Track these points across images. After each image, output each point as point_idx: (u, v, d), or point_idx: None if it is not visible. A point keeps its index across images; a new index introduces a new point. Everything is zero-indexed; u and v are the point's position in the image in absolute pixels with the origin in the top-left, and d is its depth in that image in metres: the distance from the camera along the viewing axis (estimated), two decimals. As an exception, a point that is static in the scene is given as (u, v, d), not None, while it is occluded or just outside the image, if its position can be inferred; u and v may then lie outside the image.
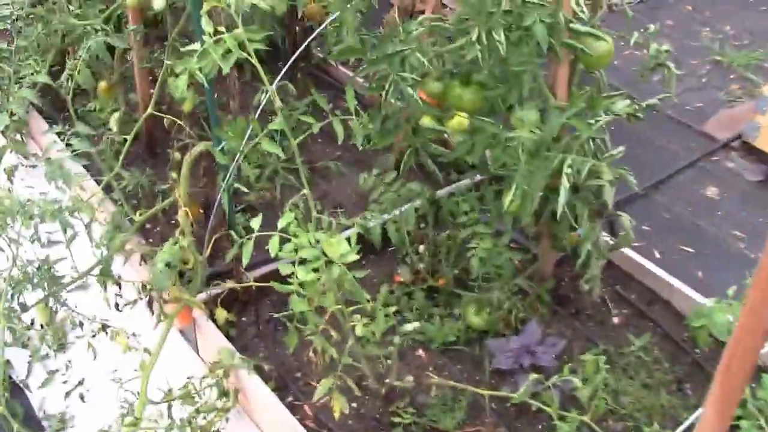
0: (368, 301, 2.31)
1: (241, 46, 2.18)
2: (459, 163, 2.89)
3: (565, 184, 2.46)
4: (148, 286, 2.82)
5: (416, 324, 2.81)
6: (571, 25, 2.35)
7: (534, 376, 2.47)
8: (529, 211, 2.50)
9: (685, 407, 2.90)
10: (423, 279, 3.24)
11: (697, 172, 4.44)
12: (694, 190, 4.29)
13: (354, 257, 2.29)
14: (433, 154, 2.82)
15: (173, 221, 3.47)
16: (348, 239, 2.26)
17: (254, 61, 2.18)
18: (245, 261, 2.33)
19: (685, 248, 3.85)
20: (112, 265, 2.96)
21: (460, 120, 2.86)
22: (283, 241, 2.20)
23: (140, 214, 3.00)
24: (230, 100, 2.84)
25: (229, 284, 2.91)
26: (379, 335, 2.50)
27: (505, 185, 2.71)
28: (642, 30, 2.78)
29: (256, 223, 2.19)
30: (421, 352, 3.08)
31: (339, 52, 2.49)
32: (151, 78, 3.73)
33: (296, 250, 2.15)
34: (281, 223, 2.17)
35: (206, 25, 2.11)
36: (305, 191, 2.29)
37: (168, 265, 2.58)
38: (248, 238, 2.34)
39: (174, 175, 3.02)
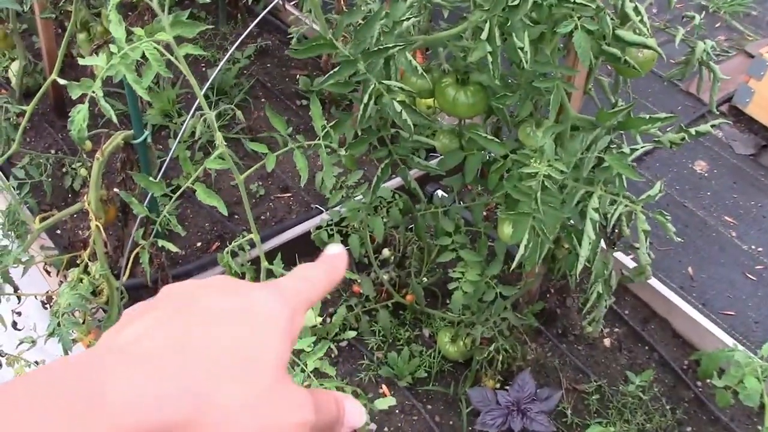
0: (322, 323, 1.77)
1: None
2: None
3: (589, 232, 1.93)
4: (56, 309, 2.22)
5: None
6: (618, 31, 1.77)
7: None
8: (536, 258, 1.97)
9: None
10: (388, 294, 2.70)
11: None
12: (682, 164, 3.82)
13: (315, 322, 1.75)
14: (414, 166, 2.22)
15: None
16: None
17: (184, 67, 1.55)
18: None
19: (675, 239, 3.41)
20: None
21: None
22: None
23: (41, 220, 2.36)
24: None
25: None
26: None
27: (502, 211, 2.17)
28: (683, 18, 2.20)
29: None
30: (384, 389, 2.58)
31: (304, 48, 1.85)
32: (57, 29, 2.98)
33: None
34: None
35: (116, 26, 1.46)
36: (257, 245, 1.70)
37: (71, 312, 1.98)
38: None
39: (83, 171, 2.37)
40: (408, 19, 1.83)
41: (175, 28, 1.50)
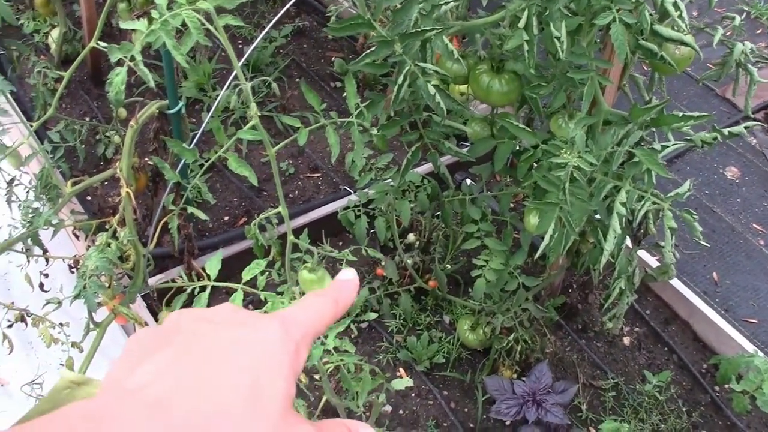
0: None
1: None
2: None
3: (615, 227, 1.93)
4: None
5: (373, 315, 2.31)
6: (656, 26, 1.76)
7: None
8: (560, 249, 1.97)
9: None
10: (410, 278, 2.71)
11: (716, 147, 3.93)
12: (713, 168, 3.79)
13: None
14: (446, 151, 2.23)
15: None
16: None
17: (222, 38, 1.56)
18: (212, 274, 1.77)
19: (700, 242, 3.38)
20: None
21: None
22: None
23: (72, 184, 2.39)
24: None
25: (179, 282, 2.35)
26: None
27: (530, 202, 2.17)
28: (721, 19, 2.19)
29: (212, 267, 1.62)
30: (401, 372, 2.59)
31: (342, 26, 1.87)
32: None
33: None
34: (246, 275, 1.61)
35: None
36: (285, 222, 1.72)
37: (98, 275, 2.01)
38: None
39: (116, 138, 2.40)
40: (447, 3, 1.83)
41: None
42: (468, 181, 3.01)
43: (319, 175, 3.07)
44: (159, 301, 2.44)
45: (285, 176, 3.02)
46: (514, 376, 2.55)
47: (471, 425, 2.50)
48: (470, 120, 2.27)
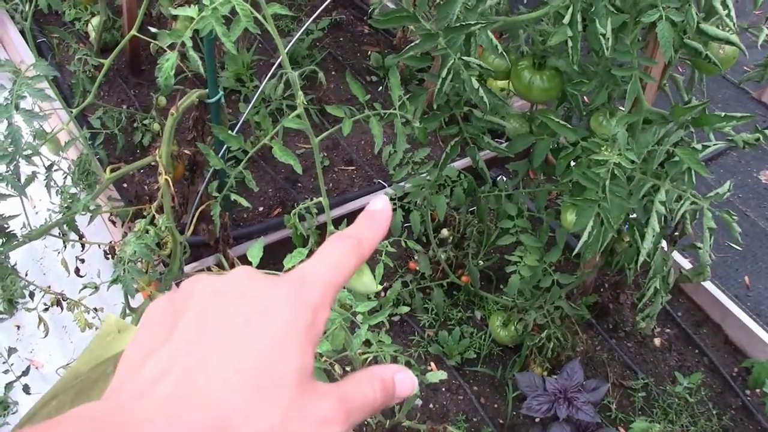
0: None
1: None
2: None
3: (654, 226, 1.93)
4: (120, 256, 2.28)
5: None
6: (702, 25, 1.76)
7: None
8: (597, 247, 1.97)
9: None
10: (443, 273, 2.72)
11: (751, 151, 3.90)
12: (747, 172, 3.76)
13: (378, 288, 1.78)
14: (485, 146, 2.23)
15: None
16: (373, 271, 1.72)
17: (271, 26, 1.57)
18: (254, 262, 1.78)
19: (733, 245, 3.36)
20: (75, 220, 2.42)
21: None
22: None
23: (111, 171, 2.42)
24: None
25: (214, 271, 2.37)
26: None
27: (568, 198, 2.17)
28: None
29: (253, 255, 1.63)
30: (432, 366, 2.60)
31: (387, 18, 1.88)
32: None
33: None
34: (288, 262, 1.62)
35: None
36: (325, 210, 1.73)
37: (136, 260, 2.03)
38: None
39: (155, 127, 2.42)
40: (493, -2, 1.83)
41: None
42: (503, 178, 3.01)
43: (353, 168, 3.09)
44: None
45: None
46: (545, 373, 2.54)
47: (501, 421, 2.50)
48: (508, 116, 2.27)
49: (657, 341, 2.84)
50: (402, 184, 2.55)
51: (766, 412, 2.34)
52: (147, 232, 2.21)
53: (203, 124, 2.48)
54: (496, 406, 2.54)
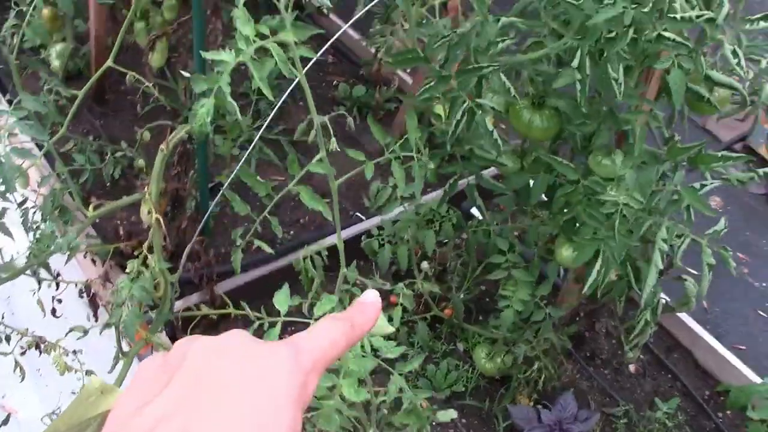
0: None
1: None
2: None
3: (657, 262, 1.98)
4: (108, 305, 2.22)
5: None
6: (709, 71, 1.82)
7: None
8: (596, 284, 2.01)
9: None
10: (426, 306, 2.73)
11: (699, 178, 4.04)
12: (697, 198, 3.89)
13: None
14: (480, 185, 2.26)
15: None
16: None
17: (300, 70, 1.56)
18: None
19: (689, 269, 3.48)
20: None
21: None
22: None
23: (94, 208, 2.35)
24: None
25: (204, 310, 2.33)
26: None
27: (562, 234, 2.21)
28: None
29: (281, 303, 1.61)
30: (423, 402, 2.59)
31: (398, 60, 1.88)
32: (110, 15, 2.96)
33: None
34: (318, 310, 1.60)
35: (244, 24, 1.47)
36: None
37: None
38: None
39: (140, 162, 2.37)
40: (504, 40, 1.86)
41: (296, 30, 1.52)
42: (475, 211, 3.05)
43: (328, 201, 3.06)
44: (183, 329, 2.41)
45: (294, 201, 3.01)
46: (531, 404, 2.58)
47: (492, 454, 2.52)
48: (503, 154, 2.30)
49: (632, 367, 2.90)
50: (387, 217, 2.55)
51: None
52: (139, 273, 2.16)
53: (188, 158, 2.44)
54: (488, 439, 2.56)
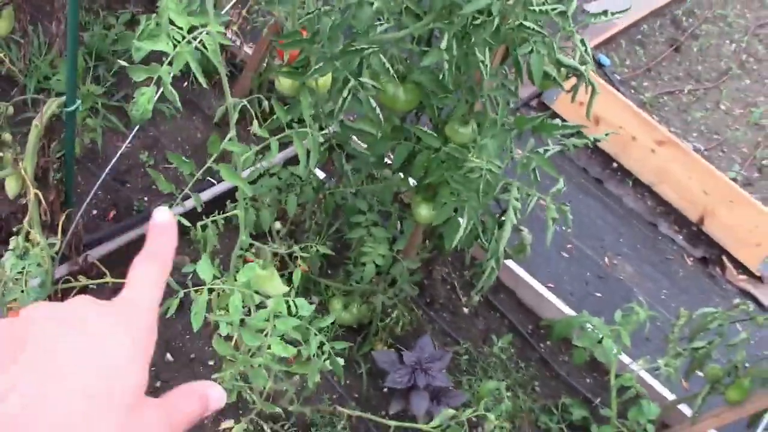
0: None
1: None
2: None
3: (511, 218, 2.29)
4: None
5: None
6: (559, 56, 2.11)
7: (450, 412, 2.31)
8: (454, 241, 2.30)
9: (541, 410, 2.96)
10: (282, 264, 2.90)
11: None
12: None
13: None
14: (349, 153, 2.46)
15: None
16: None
17: (217, 59, 1.67)
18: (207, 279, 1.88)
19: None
20: None
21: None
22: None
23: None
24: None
25: (82, 281, 2.37)
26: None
27: (419, 193, 2.47)
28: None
29: (206, 269, 1.75)
30: (288, 352, 2.79)
31: (288, 42, 2.01)
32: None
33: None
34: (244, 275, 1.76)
35: (178, 16, 1.56)
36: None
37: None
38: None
39: (6, 136, 2.35)
40: (381, 24, 2.05)
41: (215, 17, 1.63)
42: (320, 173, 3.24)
43: (174, 165, 3.13)
44: (62, 299, 2.43)
45: (145, 167, 3.06)
46: (385, 348, 2.84)
47: (356, 395, 2.77)
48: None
49: (465, 310, 3.25)
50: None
51: (574, 360, 2.81)
52: (27, 250, 2.17)
53: (54, 133, 2.44)
54: (348, 382, 2.80)
